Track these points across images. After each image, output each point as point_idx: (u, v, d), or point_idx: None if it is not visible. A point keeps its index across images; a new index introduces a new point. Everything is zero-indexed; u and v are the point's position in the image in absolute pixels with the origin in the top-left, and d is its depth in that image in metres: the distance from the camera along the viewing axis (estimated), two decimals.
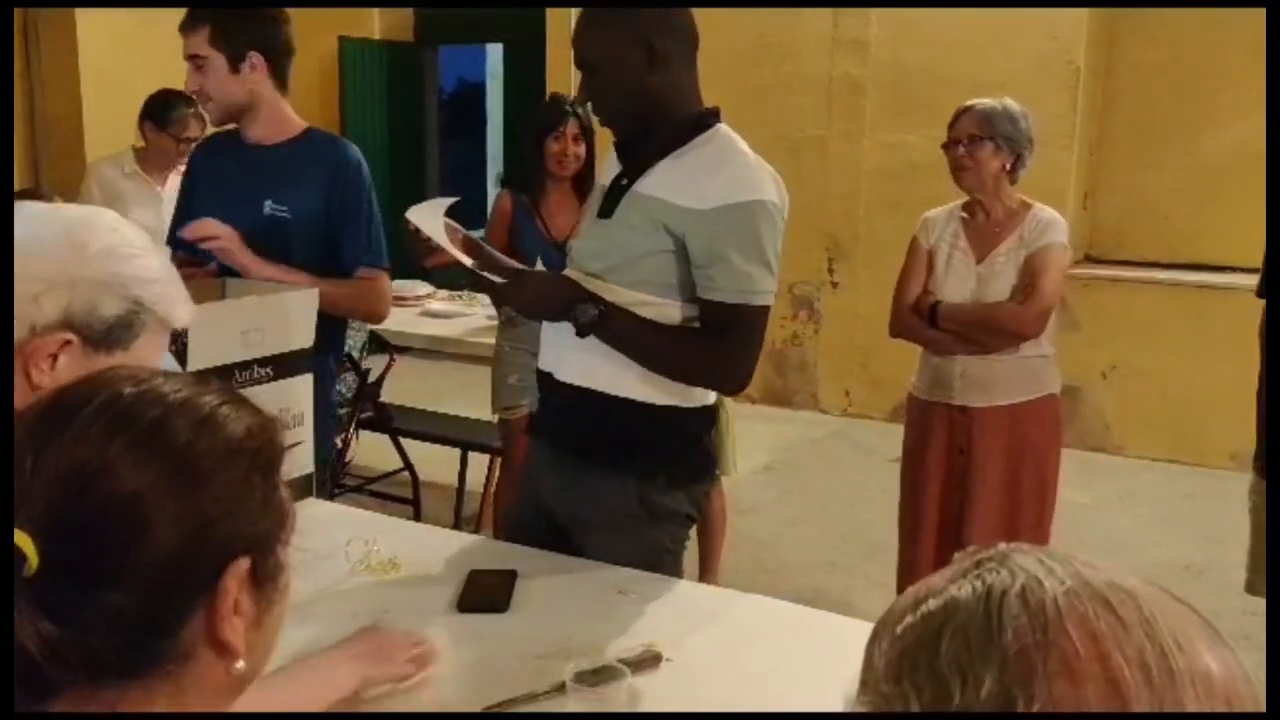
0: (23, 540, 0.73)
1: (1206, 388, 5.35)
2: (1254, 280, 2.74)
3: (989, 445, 3.02)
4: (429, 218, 2.10)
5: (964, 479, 3.05)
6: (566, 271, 2.10)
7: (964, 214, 3.11)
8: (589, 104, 2.10)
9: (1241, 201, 5.26)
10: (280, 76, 2.63)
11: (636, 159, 2.05)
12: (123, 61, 6.27)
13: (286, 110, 2.67)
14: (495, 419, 3.89)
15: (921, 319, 3.10)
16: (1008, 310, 2.98)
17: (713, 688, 1.56)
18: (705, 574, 3.77)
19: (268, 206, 2.61)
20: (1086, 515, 4.54)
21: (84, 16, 6.73)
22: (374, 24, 8.10)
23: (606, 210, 2.06)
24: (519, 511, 2.30)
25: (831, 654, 1.63)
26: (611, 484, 2.04)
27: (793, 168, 6.23)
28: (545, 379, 2.16)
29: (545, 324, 2.13)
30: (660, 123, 2.03)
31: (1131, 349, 5.64)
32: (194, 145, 4.12)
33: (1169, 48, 5.77)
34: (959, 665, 0.55)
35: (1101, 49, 5.90)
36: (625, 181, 2.05)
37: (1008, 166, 3.00)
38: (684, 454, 2.10)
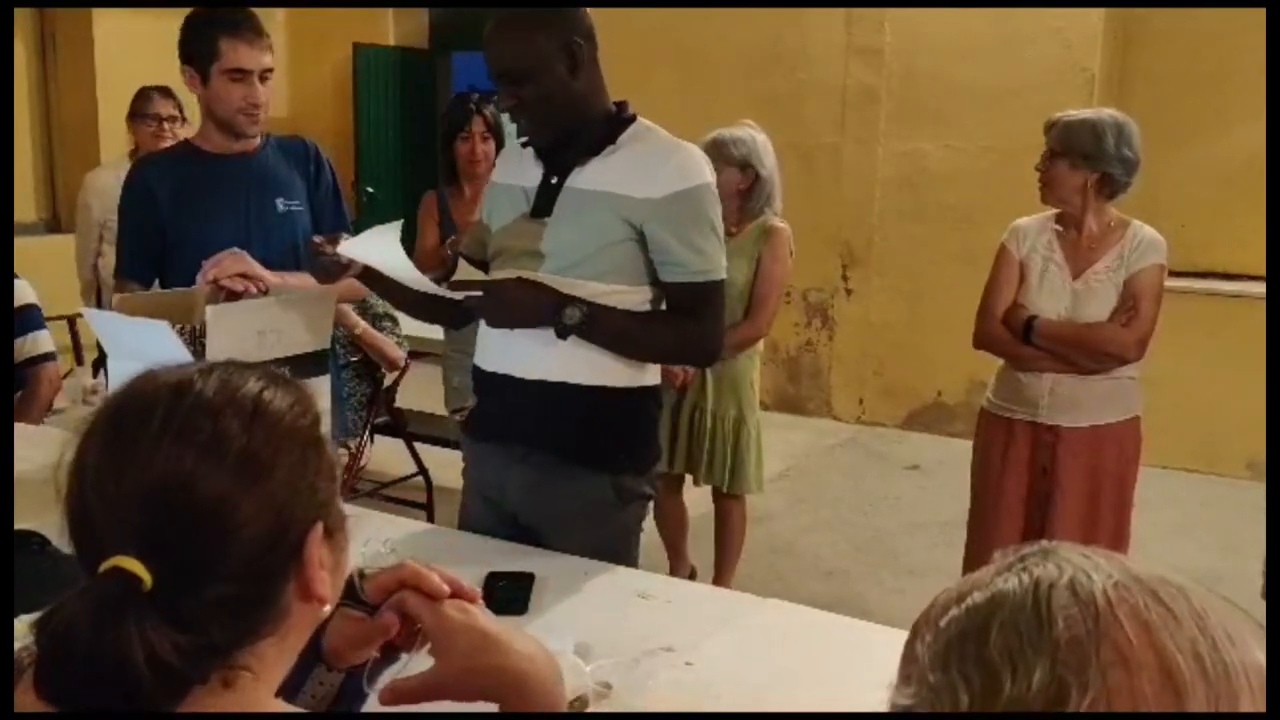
0: (131, 564, 0.80)
1: (1223, 396, 5.33)
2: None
3: (1073, 466, 2.94)
4: (371, 249, 2.12)
5: (1046, 499, 2.97)
6: (520, 274, 2.07)
7: (1057, 226, 2.99)
8: (512, 114, 2.08)
9: (1257, 209, 5.23)
10: None
11: (563, 159, 2.08)
12: (139, 70, 6.30)
13: None
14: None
15: (1013, 333, 2.98)
16: (1111, 332, 2.90)
17: (732, 691, 1.56)
18: (719, 582, 3.76)
19: (280, 204, 2.68)
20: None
21: (101, 24, 6.78)
22: (389, 31, 8.13)
23: (542, 210, 2.08)
24: (472, 517, 2.26)
25: (850, 658, 1.63)
26: (588, 476, 2.09)
27: (805, 175, 6.24)
28: (497, 380, 2.15)
29: (486, 323, 2.14)
30: (583, 124, 2.07)
31: (1146, 358, 5.61)
32: (169, 125, 4.37)
33: (1184, 55, 5.75)
34: (1010, 654, 0.54)
35: (1116, 56, 5.89)
36: (556, 181, 2.08)
37: (1090, 184, 2.87)
38: (650, 438, 2.19)
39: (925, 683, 0.57)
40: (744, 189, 3.54)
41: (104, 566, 0.81)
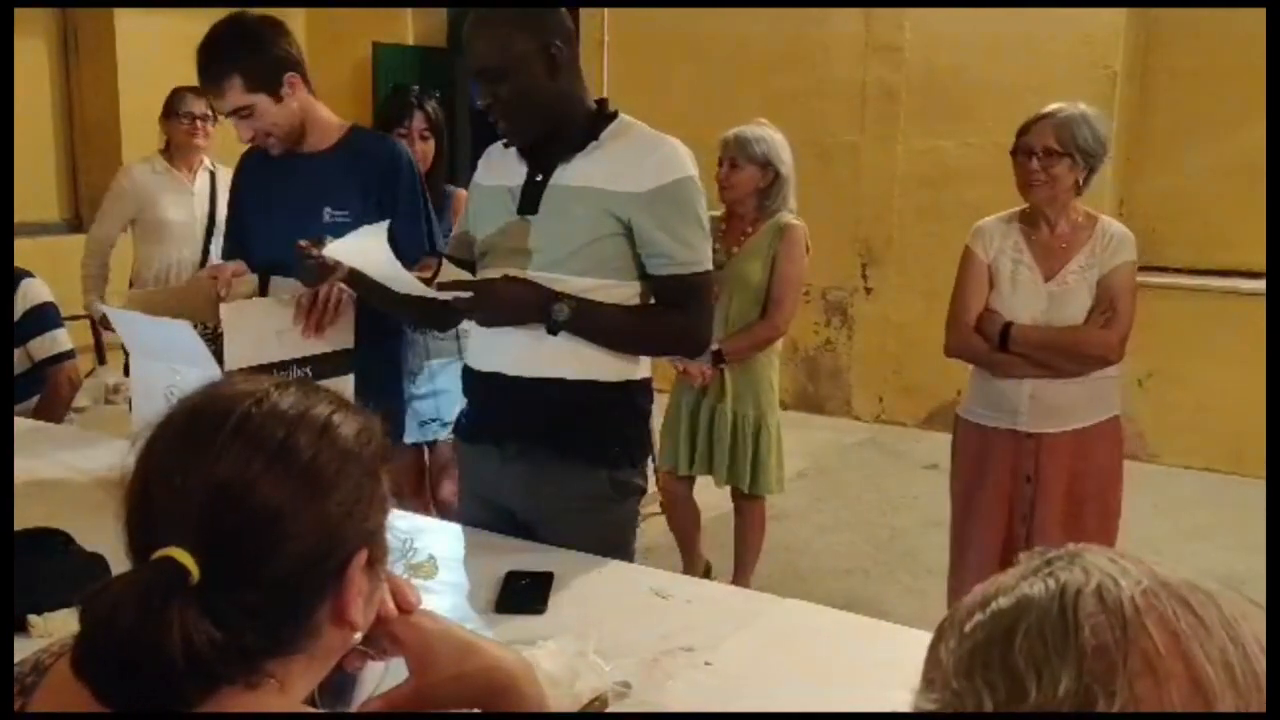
0: (182, 556, 0.83)
1: (1244, 396, 5.28)
2: None
3: (1056, 471, 2.86)
4: (357, 251, 2.11)
5: (1031, 508, 2.89)
6: (509, 272, 2.07)
7: (1023, 225, 2.88)
8: (488, 112, 2.08)
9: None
10: (308, 82, 2.62)
11: (547, 156, 2.10)
12: (161, 66, 6.33)
13: (325, 112, 2.67)
14: None
15: (988, 340, 2.89)
16: (1093, 335, 2.80)
17: (751, 690, 1.56)
18: (738, 581, 3.75)
19: (327, 214, 2.58)
20: (1122, 524, 4.48)
21: (123, 21, 6.81)
22: (407, 29, 8.14)
23: (528, 207, 2.09)
24: (469, 517, 2.26)
25: (868, 657, 1.63)
26: (582, 471, 2.10)
27: (823, 173, 6.23)
28: (489, 379, 2.15)
29: (476, 322, 2.15)
30: (563, 122, 2.09)
31: (1168, 356, 5.57)
32: (201, 124, 4.42)
33: (1206, 52, 5.70)
34: (1034, 662, 0.53)
35: (1138, 53, 5.85)
36: (540, 178, 2.09)
37: (1081, 180, 2.79)
38: (642, 431, 2.21)
39: (949, 688, 0.57)
40: (763, 187, 3.53)
41: (156, 555, 0.83)
